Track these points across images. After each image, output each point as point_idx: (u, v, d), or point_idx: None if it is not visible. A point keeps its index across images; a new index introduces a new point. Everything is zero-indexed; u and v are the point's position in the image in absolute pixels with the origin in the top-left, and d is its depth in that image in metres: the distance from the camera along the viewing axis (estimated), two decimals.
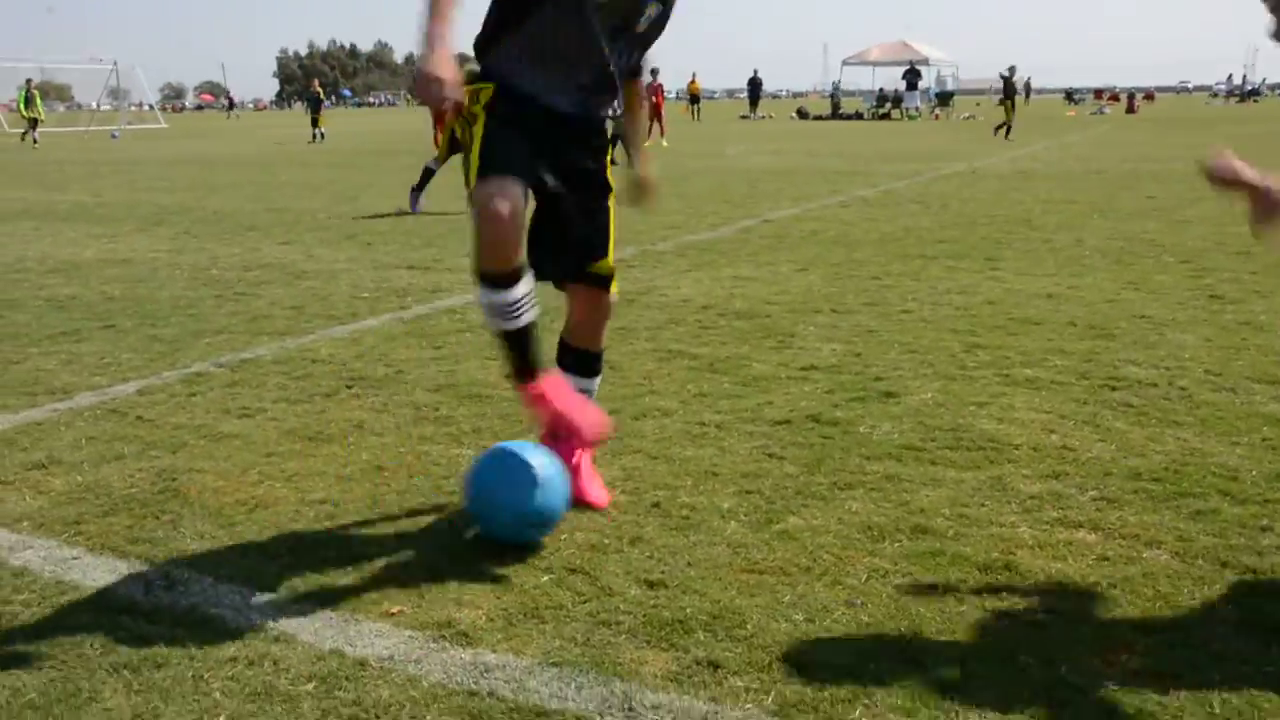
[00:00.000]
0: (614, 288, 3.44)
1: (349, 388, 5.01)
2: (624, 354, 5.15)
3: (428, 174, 12.58)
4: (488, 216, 2.90)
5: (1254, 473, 3.73)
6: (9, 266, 8.95)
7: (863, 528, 3.32)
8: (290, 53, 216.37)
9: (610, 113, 3.37)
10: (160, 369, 5.41)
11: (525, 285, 3.09)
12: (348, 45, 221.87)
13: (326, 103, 40.17)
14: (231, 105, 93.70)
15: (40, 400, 4.86)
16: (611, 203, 3.40)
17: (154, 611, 2.84)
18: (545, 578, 3.02)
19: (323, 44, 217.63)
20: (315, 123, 34.26)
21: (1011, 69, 30.56)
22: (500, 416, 4.49)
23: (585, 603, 2.87)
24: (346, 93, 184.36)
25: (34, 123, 34.75)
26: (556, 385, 3.25)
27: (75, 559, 3.18)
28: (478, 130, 3.08)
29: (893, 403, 4.60)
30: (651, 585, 2.97)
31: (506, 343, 3.16)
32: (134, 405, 4.77)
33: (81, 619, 2.81)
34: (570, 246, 3.34)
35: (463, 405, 4.68)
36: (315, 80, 40.34)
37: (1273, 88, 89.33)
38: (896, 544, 3.21)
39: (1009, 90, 29.92)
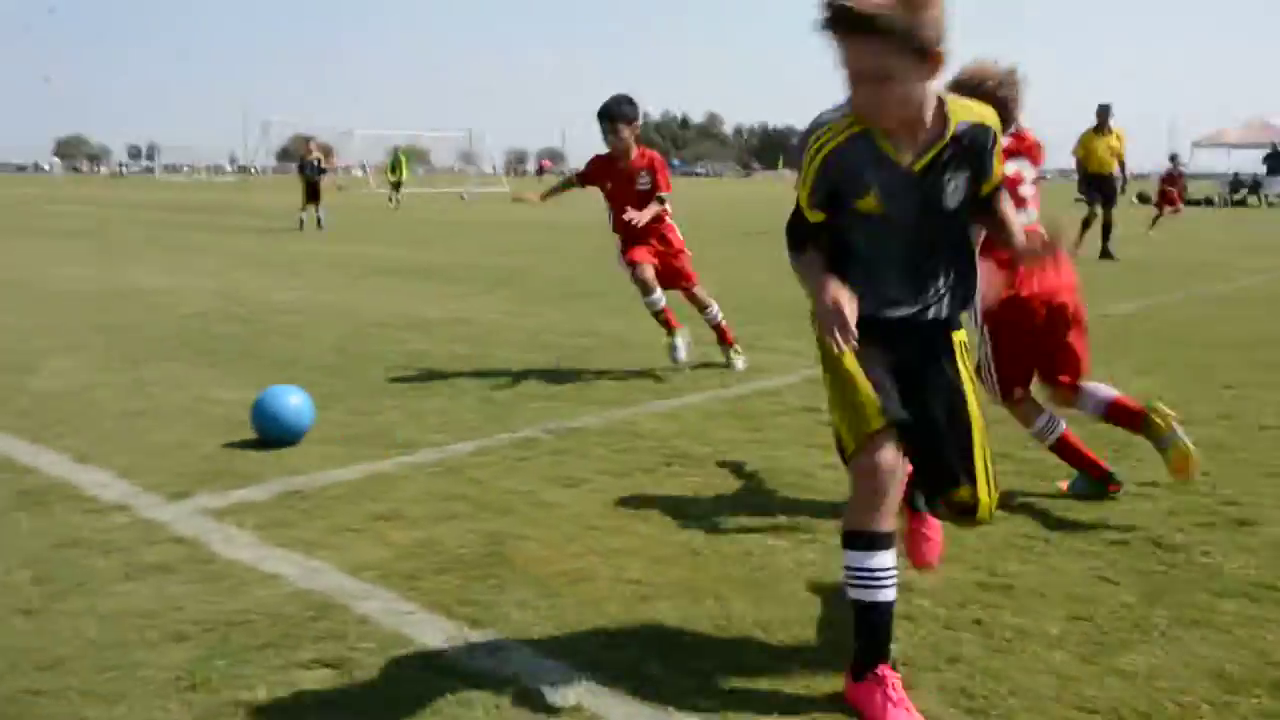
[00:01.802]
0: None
1: (668, 465, 5.10)
2: None
3: None
4: None
5: None
6: (374, 322, 9.81)
7: (1212, 675, 3.01)
8: None
9: None
10: (494, 431, 5.72)
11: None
12: (680, 115, 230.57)
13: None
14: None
15: (388, 453, 5.25)
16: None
17: (477, 676, 2.97)
18: None
19: (656, 114, 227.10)
20: None
21: None
22: (817, 513, 4.42)
23: None
24: (676, 162, 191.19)
25: (397, 185, 38.21)
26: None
27: (410, 614, 3.38)
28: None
29: (1247, 532, 4.18)
30: (972, 711, 2.81)
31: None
32: (468, 465, 5.06)
33: (410, 674, 3.00)
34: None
35: (782, 492, 4.66)
36: None
37: None
38: (1254, 699, 2.89)
39: None
